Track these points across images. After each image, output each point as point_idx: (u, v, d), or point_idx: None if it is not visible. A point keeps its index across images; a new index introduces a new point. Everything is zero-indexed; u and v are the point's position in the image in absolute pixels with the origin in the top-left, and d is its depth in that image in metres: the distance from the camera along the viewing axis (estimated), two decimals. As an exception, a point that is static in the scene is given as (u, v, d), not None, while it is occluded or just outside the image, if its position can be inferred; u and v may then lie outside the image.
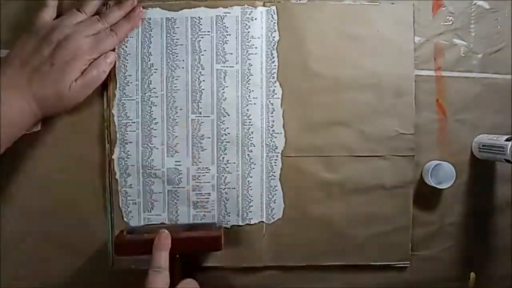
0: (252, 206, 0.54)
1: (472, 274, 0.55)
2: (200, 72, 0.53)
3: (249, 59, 0.53)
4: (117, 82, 0.53)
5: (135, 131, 0.53)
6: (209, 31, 0.53)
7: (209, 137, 0.54)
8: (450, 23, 0.55)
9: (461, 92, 0.56)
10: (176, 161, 0.54)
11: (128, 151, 0.53)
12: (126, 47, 0.53)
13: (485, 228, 0.56)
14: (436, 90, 0.56)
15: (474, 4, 0.56)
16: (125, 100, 0.53)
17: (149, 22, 0.53)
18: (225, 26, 0.53)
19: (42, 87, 0.47)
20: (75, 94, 0.49)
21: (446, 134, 0.56)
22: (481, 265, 0.56)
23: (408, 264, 0.55)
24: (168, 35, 0.53)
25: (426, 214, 0.56)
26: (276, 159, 0.54)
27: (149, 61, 0.53)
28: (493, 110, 0.56)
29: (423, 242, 0.56)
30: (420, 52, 0.55)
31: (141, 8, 0.53)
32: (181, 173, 0.54)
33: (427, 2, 0.55)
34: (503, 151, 0.50)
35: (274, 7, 0.54)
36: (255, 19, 0.53)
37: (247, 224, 0.54)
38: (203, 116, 0.54)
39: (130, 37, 0.53)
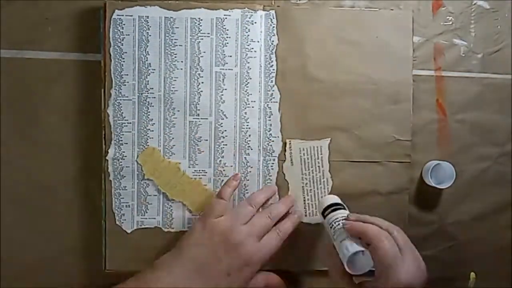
0: (248, 210, 0.54)
1: (472, 274, 0.56)
2: (199, 74, 0.53)
3: (248, 63, 0.53)
4: (113, 81, 0.52)
5: (130, 131, 0.53)
6: (209, 33, 0.53)
7: (207, 140, 0.53)
8: (450, 23, 0.56)
9: (461, 92, 0.57)
10: (172, 163, 0.53)
11: (124, 152, 0.53)
12: (122, 45, 0.52)
13: (485, 228, 0.57)
14: (436, 90, 0.56)
15: (474, 4, 0.57)
16: (121, 100, 0.52)
17: (147, 21, 0.52)
18: (225, 28, 0.53)
19: None
20: None
21: (446, 134, 0.56)
22: (481, 265, 0.57)
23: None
24: (167, 35, 0.52)
25: (426, 214, 0.56)
26: (273, 163, 0.54)
27: (147, 60, 0.52)
28: (493, 110, 0.57)
29: (423, 242, 0.56)
30: (420, 52, 0.56)
31: (302, 213, 0.53)
32: (177, 176, 0.53)
33: (427, 2, 0.56)
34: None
35: (273, 12, 0.53)
36: (255, 22, 0.53)
37: (243, 228, 0.54)
38: (201, 118, 0.53)
39: (127, 35, 0.52)
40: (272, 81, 0.54)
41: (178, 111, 0.53)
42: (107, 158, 0.52)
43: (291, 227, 0.51)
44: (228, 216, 0.49)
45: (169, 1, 0.53)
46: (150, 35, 0.52)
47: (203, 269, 0.47)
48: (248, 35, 0.53)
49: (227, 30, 0.53)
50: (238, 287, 0.48)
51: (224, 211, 0.49)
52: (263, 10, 0.53)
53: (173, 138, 0.53)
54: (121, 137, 0.52)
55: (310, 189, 0.54)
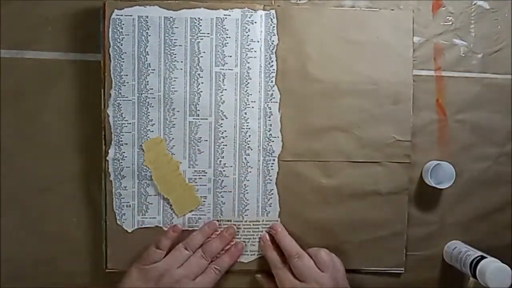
0: (248, 209, 0.54)
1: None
2: (199, 74, 0.53)
3: (248, 63, 0.53)
4: (113, 82, 0.52)
5: (130, 132, 0.53)
6: (208, 33, 0.53)
7: (206, 140, 0.53)
8: (450, 23, 0.56)
9: (461, 92, 0.57)
10: (172, 164, 0.53)
11: (124, 152, 0.53)
12: (122, 45, 0.52)
13: (485, 228, 0.57)
14: (436, 90, 0.56)
15: (474, 4, 0.56)
16: (120, 100, 0.52)
17: (147, 21, 0.52)
18: (225, 28, 0.53)
19: None
20: None
21: (446, 134, 0.56)
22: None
23: (402, 270, 0.56)
24: (166, 35, 0.52)
25: (426, 214, 0.57)
26: (272, 163, 0.54)
27: (146, 61, 0.52)
28: (493, 110, 0.57)
29: (423, 242, 0.56)
30: (420, 52, 0.56)
31: (242, 244, 0.54)
32: (177, 176, 0.53)
33: (427, 2, 0.56)
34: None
35: (273, 11, 0.53)
36: (255, 22, 0.53)
37: (243, 228, 0.54)
38: (201, 119, 0.53)
39: (126, 35, 0.52)
40: (272, 81, 0.54)
41: (178, 111, 0.53)
42: (107, 158, 0.52)
43: (229, 261, 0.52)
44: (163, 262, 0.50)
45: (169, 1, 0.52)
46: (149, 35, 0.52)
47: None
48: (248, 35, 0.53)
49: (227, 30, 0.53)
50: None
51: (160, 259, 0.50)
52: (263, 10, 0.53)
53: (173, 138, 0.53)
54: (121, 138, 0.52)
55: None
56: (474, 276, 0.50)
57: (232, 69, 0.53)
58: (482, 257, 0.51)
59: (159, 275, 0.49)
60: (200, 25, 0.52)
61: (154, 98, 0.53)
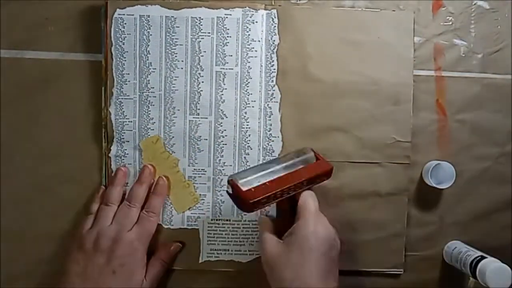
0: (247, 209, 0.54)
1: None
2: (199, 73, 0.53)
3: (249, 62, 0.53)
4: (115, 80, 0.52)
5: (132, 130, 0.53)
6: (209, 32, 0.53)
7: (206, 139, 0.53)
8: (450, 23, 0.56)
9: (461, 92, 0.57)
10: (172, 162, 0.53)
11: (125, 149, 0.53)
12: (124, 44, 0.52)
13: (485, 228, 0.57)
14: (436, 90, 0.56)
15: (474, 4, 0.57)
16: (122, 98, 0.53)
17: (148, 20, 0.52)
18: (225, 27, 0.53)
19: None
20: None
21: (446, 134, 0.56)
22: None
23: (401, 271, 0.56)
24: (167, 34, 0.53)
25: (426, 214, 0.56)
26: (272, 163, 0.54)
27: (147, 60, 0.53)
28: (493, 110, 0.57)
29: (423, 242, 0.56)
30: (420, 52, 0.56)
31: (163, 179, 0.53)
32: (177, 174, 0.53)
33: (427, 2, 0.56)
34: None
35: (275, 11, 0.54)
36: (256, 22, 0.53)
37: (242, 227, 0.54)
38: (201, 118, 0.53)
39: (128, 34, 0.52)
40: (272, 81, 0.54)
41: (178, 110, 0.53)
42: (109, 155, 0.53)
43: (158, 199, 0.52)
44: (93, 227, 0.50)
45: (170, 0, 0.53)
46: (151, 34, 0.53)
47: (87, 277, 0.47)
48: (249, 35, 0.53)
49: (228, 29, 0.53)
50: (135, 280, 0.49)
51: (91, 225, 0.50)
52: (265, 9, 0.53)
53: (173, 137, 0.53)
54: (122, 135, 0.53)
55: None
56: (474, 276, 0.50)
57: (232, 69, 0.53)
58: (482, 257, 0.51)
59: (94, 239, 0.48)
60: (201, 25, 0.53)
61: (155, 96, 0.53)
